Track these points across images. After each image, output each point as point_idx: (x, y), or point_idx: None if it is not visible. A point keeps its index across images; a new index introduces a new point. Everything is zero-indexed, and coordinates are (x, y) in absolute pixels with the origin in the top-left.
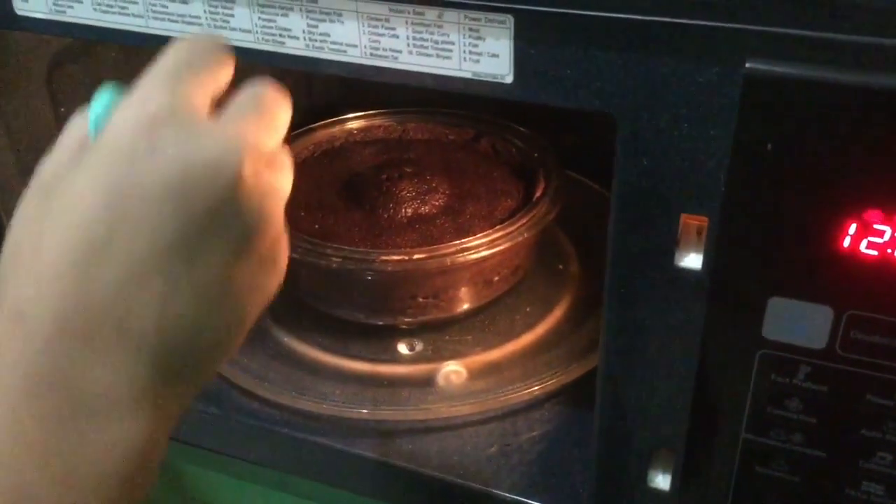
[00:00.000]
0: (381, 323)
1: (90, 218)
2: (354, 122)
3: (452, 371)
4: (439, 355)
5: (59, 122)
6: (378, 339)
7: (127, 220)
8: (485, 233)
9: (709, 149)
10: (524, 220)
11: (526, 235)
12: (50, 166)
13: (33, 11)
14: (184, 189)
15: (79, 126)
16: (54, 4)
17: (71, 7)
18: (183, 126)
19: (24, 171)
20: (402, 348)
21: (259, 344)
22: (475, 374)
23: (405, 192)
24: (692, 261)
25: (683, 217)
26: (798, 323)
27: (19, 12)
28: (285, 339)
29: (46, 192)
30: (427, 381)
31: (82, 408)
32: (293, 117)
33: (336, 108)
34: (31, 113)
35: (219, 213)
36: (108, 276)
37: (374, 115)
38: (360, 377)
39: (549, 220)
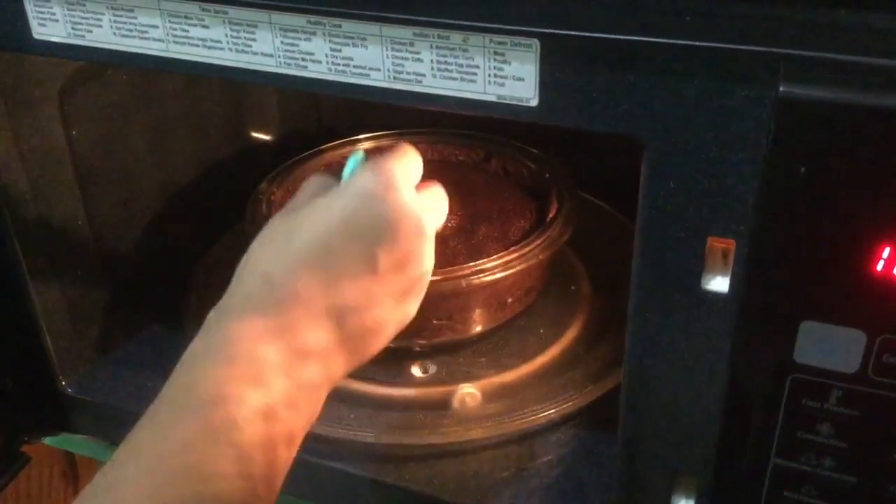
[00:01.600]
0: (393, 345)
1: (331, 228)
2: (365, 144)
3: (467, 394)
4: (453, 378)
5: (71, 143)
6: (391, 362)
7: (353, 236)
8: (499, 255)
9: (737, 171)
10: (538, 242)
11: (540, 257)
12: (301, 198)
13: (51, 35)
14: (396, 226)
15: (321, 180)
16: (73, 28)
17: (90, 31)
18: (400, 191)
19: (36, 193)
20: (416, 371)
21: None
22: (490, 396)
23: None
24: (719, 284)
25: (710, 240)
26: (830, 347)
27: (37, 36)
28: None
29: (299, 209)
30: (441, 404)
31: (299, 352)
32: (302, 139)
33: (345, 129)
34: (43, 135)
35: (410, 251)
36: (337, 270)
37: (384, 135)
38: (374, 400)
39: (562, 241)
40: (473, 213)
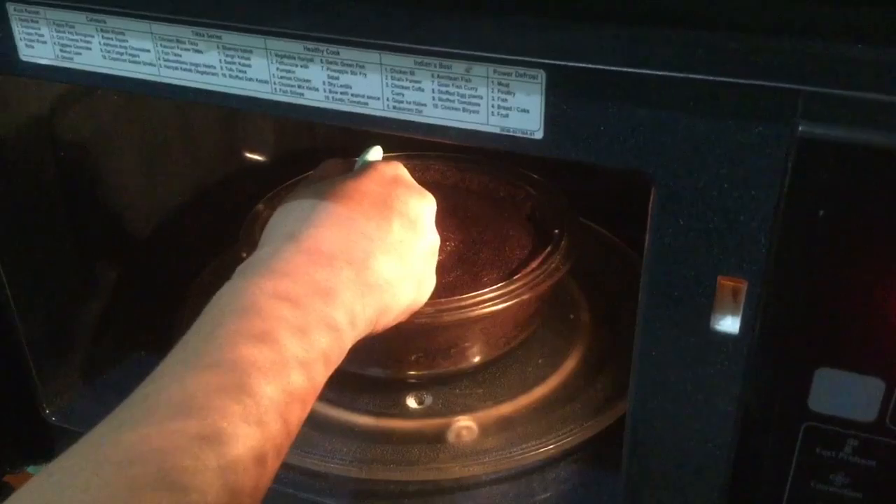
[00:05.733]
0: (389, 376)
1: (350, 196)
2: None
3: (463, 427)
4: (449, 409)
5: (61, 166)
6: (386, 393)
7: (370, 203)
8: (498, 286)
9: (750, 210)
10: (539, 273)
11: (540, 288)
12: (317, 176)
13: (39, 58)
14: (407, 197)
15: (338, 162)
16: (61, 51)
17: (79, 54)
18: (407, 175)
19: (20, 216)
20: (411, 402)
21: None
22: (487, 430)
23: None
24: (729, 325)
25: (720, 279)
26: (847, 395)
27: (24, 58)
28: None
29: (319, 182)
30: (437, 438)
31: (320, 293)
32: (298, 161)
33: (341, 151)
34: (30, 157)
35: (418, 216)
36: (355, 229)
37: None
38: (368, 433)
39: (563, 272)
40: (473, 239)
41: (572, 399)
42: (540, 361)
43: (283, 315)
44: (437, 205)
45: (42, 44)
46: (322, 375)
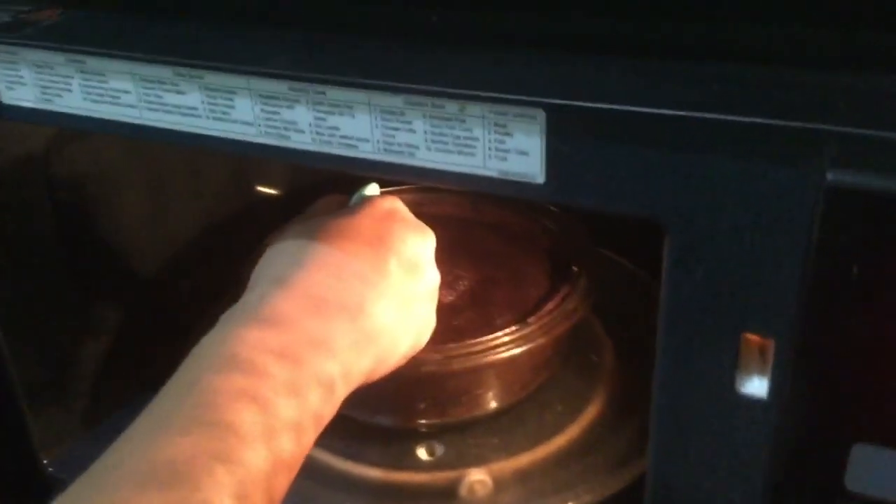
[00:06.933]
0: (398, 425)
1: (342, 235)
2: None
3: (476, 481)
4: (462, 461)
5: (57, 204)
6: (396, 443)
7: (363, 241)
8: (511, 329)
9: (776, 261)
10: (555, 315)
11: (556, 331)
12: (311, 210)
13: (21, 100)
14: (404, 234)
15: (332, 199)
16: (42, 93)
17: (59, 96)
18: (405, 210)
19: (16, 261)
20: (422, 453)
21: None
22: (501, 483)
23: None
24: (756, 387)
25: (745, 335)
26: (888, 474)
27: (6, 101)
28: None
29: (311, 220)
30: (449, 493)
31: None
32: (312, 194)
33: (360, 183)
34: (24, 198)
35: (417, 256)
36: (347, 270)
37: (392, 191)
38: (375, 487)
39: (580, 314)
40: (486, 277)
41: (594, 450)
42: (559, 408)
43: (271, 370)
44: (450, 240)
45: (23, 86)
46: (312, 438)
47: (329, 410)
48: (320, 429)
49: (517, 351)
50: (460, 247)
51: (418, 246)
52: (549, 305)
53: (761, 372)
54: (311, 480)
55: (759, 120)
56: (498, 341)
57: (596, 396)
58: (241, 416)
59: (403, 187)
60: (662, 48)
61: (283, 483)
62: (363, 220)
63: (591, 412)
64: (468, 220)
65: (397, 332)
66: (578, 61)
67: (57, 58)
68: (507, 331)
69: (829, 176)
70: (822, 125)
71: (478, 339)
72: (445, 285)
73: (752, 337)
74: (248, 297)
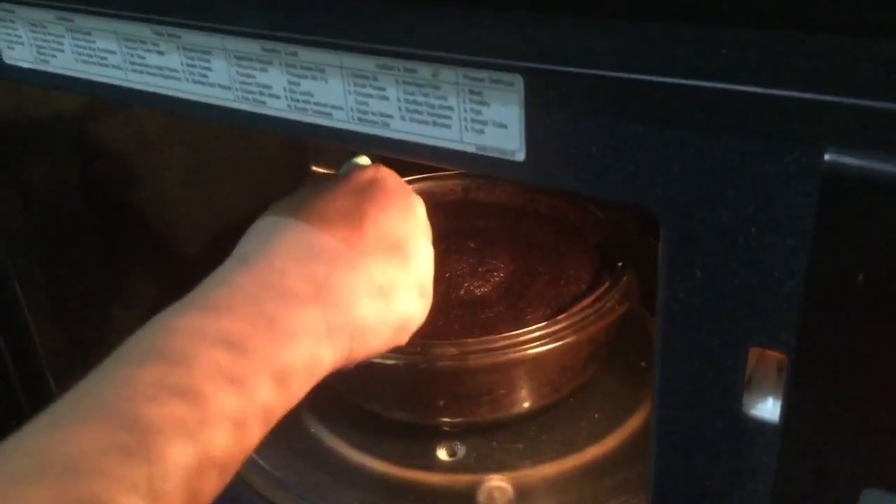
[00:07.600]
0: (417, 421)
1: (318, 203)
2: (419, 185)
3: (496, 487)
4: (483, 465)
5: (91, 181)
6: (416, 440)
7: (339, 202)
8: (537, 326)
9: (786, 262)
10: (589, 312)
11: (590, 330)
12: (311, 183)
13: (20, 60)
14: (383, 218)
15: (319, 175)
16: (38, 53)
17: (54, 56)
18: (394, 175)
19: (44, 237)
20: (442, 453)
21: (284, 433)
22: (523, 493)
23: (460, 269)
24: (768, 410)
25: (754, 351)
26: None
27: (7, 61)
28: (313, 428)
29: (291, 197)
30: (466, 497)
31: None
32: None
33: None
34: (56, 172)
35: (397, 245)
36: (317, 240)
37: (434, 177)
38: (389, 484)
39: (618, 313)
40: (526, 270)
41: (630, 465)
42: (596, 416)
43: (215, 359)
44: (494, 230)
45: (21, 45)
46: (257, 436)
47: (282, 407)
48: (271, 424)
49: (542, 349)
50: (504, 237)
51: (401, 219)
52: (585, 302)
53: (775, 392)
54: (321, 471)
55: (769, 91)
56: (522, 338)
57: (640, 406)
58: (159, 408)
59: (454, 172)
60: (658, 10)
61: (213, 482)
62: (340, 192)
63: (632, 423)
64: (519, 209)
65: (371, 321)
66: (561, 21)
67: (48, 16)
68: (533, 328)
69: (827, 156)
70: (820, 95)
71: (500, 335)
72: (478, 276)
73: (764, 353)
74: (206, 280)
